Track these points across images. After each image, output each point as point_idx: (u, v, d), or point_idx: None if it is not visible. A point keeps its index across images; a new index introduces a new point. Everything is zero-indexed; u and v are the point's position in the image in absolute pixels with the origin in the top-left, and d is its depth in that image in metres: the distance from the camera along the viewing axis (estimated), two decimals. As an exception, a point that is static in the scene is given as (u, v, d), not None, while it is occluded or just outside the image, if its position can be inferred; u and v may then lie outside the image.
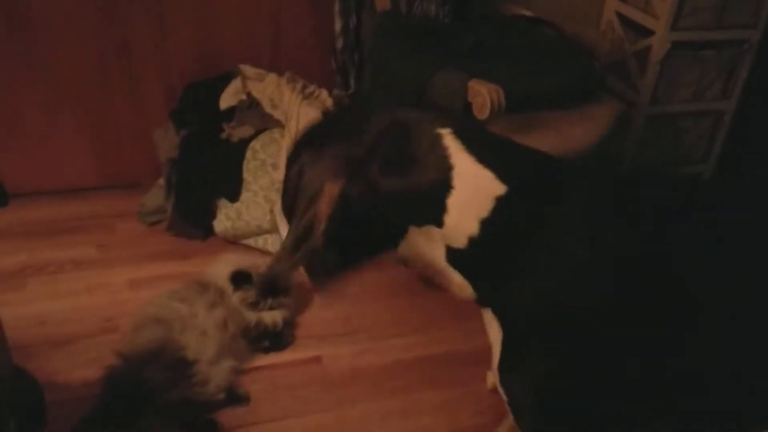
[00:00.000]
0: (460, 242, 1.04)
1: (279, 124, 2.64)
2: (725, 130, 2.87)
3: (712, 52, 2.66)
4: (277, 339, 2.17)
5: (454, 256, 1.07)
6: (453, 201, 1.02)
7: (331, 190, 1.01)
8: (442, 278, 1.16)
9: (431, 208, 1.03)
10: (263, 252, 2.60)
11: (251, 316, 2.14)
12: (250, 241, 2.63)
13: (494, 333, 1.14)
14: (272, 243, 2.57)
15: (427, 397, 2.00)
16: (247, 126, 2.66)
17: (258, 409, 1.92)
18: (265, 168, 2.56)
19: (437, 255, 1.09)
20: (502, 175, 1.02)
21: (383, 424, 1.90)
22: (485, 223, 1.01)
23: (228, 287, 2.15)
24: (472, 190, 1.01)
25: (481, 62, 2.25)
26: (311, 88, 2.81)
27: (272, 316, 2.16)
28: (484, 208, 1.01)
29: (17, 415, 1.49)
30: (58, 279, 2.43)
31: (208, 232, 2.68)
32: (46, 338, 2.14)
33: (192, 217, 2.68)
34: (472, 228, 1.02)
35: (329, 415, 1.92)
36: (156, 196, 2.79)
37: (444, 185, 1.02)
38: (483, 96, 1.99)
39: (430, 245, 1.08)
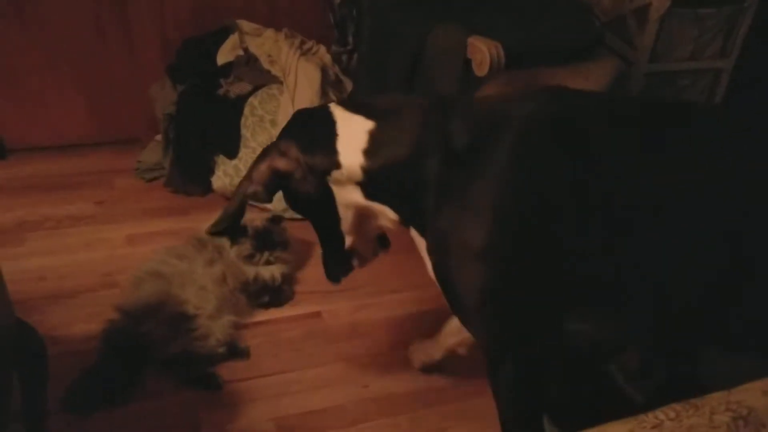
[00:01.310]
0: (359, 175, 1.34)
1: (277, 80, 2.62)
2: (723, 89, 2.86)
3: (712, 10, 2.64)
4: (276, 294, 2.19)
5: (364, 191, 1.37)
6: (340, 143, 1.34)
7: (262, 166, 1.38)
8: (376, 218, 1.45)
9: (328, 155, 1.34)
10: (261, 209, 2.60)
11: (250, 271, 2.15)
12: (249, 198, 2.63)
13: (422, 246, 1.39)
14: (271, 200, 2.57)
15: (425, 351, 2.02)
16: (245, 82, 2.64)
17: (259, 364, 1.95)
18: (263, 124, 2.55)
19: (357, 197, 1.38)
20: (369, 116, 1.34)
21: (383, 377, 1.93)
22: (367, 153, 1.32)
23: (226, 243, 2.16)
24: (350, 131, 1.34)
25: (481, 17, 2.23)
26: (309, 43, 2.78)
27: (270, 271, 2.18)
28: (362, 140, 1.32)
29: (20, 368, 1.50)
30: (57, 234, 2.43)
31: (207, 188, 2.68)
32: (46, 293, 2.15)
33: (190, 173, 2.68)
34: (360, 159, 1.32)
35: (330, 368, 1.95)
36: (154, 152, 2.78)
37: (331, 135, 1.34)
38: (482, 52, 1.98)
39: (348, 192, 1.38)
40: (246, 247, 2.16)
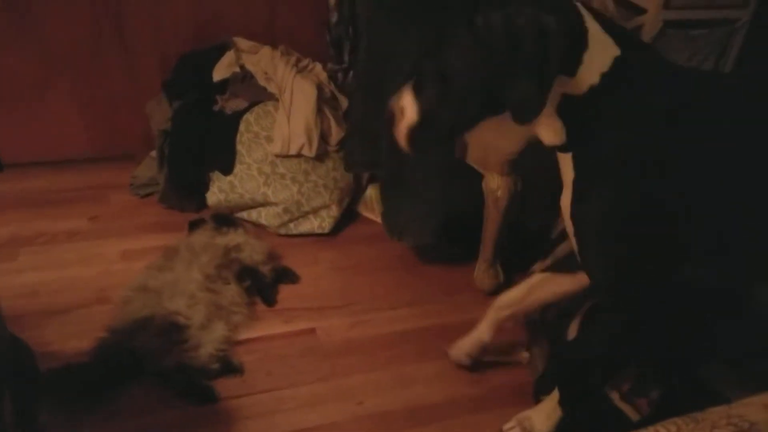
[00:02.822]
0: (582, 89, 1.32)
1: (273, 97, 2.63)
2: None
3: (704, 31, 2.66)
4: (255, 275, 2.24)
5: (567, 103, 1.34)
6: (587, 56, 1.29)
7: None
8: (543, 125, 1.41)
9: (572, 60, 1.29)
10: (256, 225, 2.60)
11: (220, 241, 2.26)
12: (244, 214, 2.62)
13: (568, 175, 1.44)
14: (266, 216, 2.58)
15: (420, 367, 2.02)
16: (241, 98, 2.65)
17: (253, 380, 1.93)
18: (258, 141, 2.55)
19: (552, 105, 1.35)
20: (617, 42, 1.31)
21: (378, 394, 1.91)
22: (604, 76, 1.30)
23: (194, 240, 2.28)
24: (600, 49, 1.30)
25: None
26: (305, 61, 2.80)
27: (236, 236, 2.32)
28: (606, 64, 1.30)
29: (13, 384, 1.50)
30: (51, 250, 2.42)
31: (201, 204, 2.67)
32: (39, 308, 2.13)
33: (185, 189, 2.67)
34: (595, 79, 1.30)
35: (324, 385, 1.94)
36: (149, 168, 2.78)
37: (582, 43, 1.29)
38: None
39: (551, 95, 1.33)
40: (209, 226, 2.38)
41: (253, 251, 2.31)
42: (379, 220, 2.62)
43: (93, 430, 1.73)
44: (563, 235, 2.34)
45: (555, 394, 1.68)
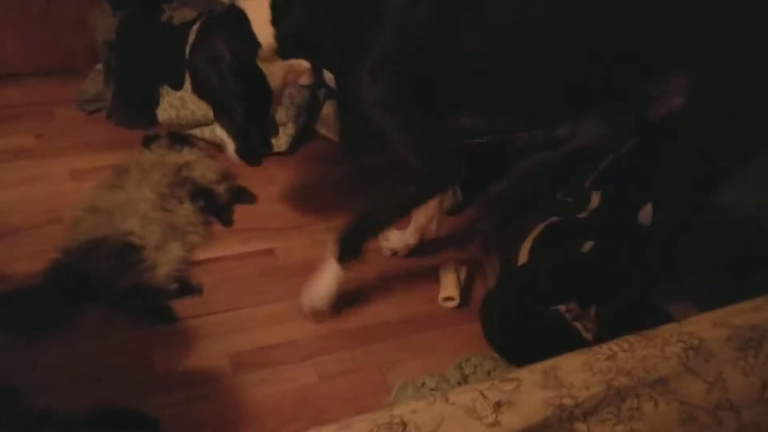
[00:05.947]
0: (274, 45, 1.62)
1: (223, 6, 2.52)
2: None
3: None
4: (210, 196, 2.22)
5: (281, 53, 1.66)
6: (255, 27, 1.61)
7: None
8: (295, 71, 1.76)
9: (252, 39, 1.61)
10: (210, 143, 2.54)
11: (171, 159, 2.23)
12: (197, 132, 2.55)
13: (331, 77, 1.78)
14: (221, 133, 2.50)
15: (378, 286, 2.04)
16: (189, 8, 2.53)
17: (212, 300, 1.93)
18: (210, 55, 2.46)
19: (279, 65, 1.69)
20: None
21: (335, 313, 1.93)
22: (273, 23, 1.60)
23: (145, 158, 2.24)
24: (258, 12, 1.60)
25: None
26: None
27: (187, 154, 2.29)
28: (268, 14, 1.59)
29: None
30: (-4, 170, 2.34)
31: (152, 120, 2.59)
32: (-14, 230, 2.07)
33: (134, 105, 2.58)
34: (270, 29, 1.60)
35: (283, 304, 1.94)
36: (95, 83, 2.66)
37: (246, 24, 1.61)
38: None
39: (273, 61, 1.67)
40: (163, 142, 2.34)
41: (205, 170, 2.26)
42: (336, 138, 2.58)
43: (50, 352, 1.72)
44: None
45: None
